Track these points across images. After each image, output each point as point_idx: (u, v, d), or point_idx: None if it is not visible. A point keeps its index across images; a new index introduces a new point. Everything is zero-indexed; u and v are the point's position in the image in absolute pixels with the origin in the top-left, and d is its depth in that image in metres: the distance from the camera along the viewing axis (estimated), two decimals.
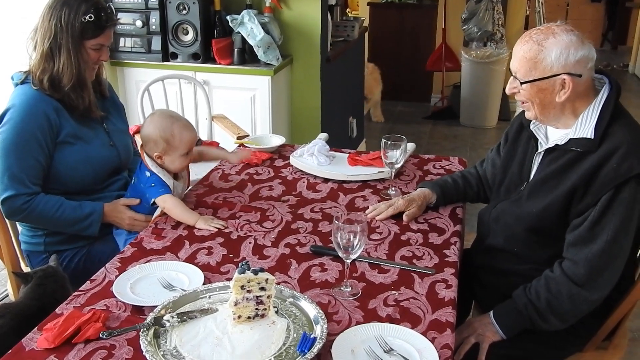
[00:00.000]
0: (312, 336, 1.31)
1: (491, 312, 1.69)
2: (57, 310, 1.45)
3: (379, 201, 2.04)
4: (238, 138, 2.77)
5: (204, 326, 1.36)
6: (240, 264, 1.35)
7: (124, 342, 1.34)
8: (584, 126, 1.62)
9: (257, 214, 1.96)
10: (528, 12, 6.20)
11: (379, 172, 2.20)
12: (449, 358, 1.31)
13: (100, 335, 1.33)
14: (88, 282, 1.58)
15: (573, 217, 1.62)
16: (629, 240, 1.59)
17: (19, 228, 2.14)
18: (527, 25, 6.12)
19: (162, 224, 1.89)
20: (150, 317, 1.36)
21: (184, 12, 3.35)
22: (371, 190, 2.14)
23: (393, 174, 2.12)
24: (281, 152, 2.49)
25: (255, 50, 3.35)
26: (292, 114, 3.77)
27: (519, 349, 1.71)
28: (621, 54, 8.82)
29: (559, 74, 1.58)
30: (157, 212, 1.95)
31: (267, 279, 1.35)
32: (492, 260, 1.84)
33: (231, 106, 3.41)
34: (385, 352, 1.30)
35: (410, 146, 2.33)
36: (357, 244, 1.47)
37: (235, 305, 1.34)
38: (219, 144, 3.00)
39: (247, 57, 3.43)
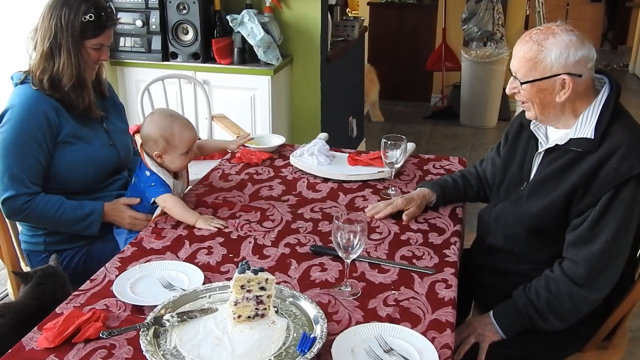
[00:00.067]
0: (312, 336, 1.31)
1: (491, 312, 1.69)
2: (57, 309, 1.46)
3: (378, 201, 2.04)
4: (238, 138, 2.76)
5: (204, 326, 1.36)
6: (240, 264, 1.35)
7: (123, 341, 1.34)
8: (584, 126, 1.62)
9: (257, 213, 1.96)
10: (528, 12, 6.20)
11: (379, 172, 2.20)
12: (448, 358, 1.31)
13: (100, 335, 1.33)
14: (88, 281, 1.58)
15: (573, 217, 1.62)
16: (629, 240, 1.59)
17: (19, 227, 2.14)
18: (527, 25, 6.12)
19: (162, 223, 1.89)
20: (150, 317, 1.36)
21: (184, 11, 3.35)
22: (371, 190, 2.14)
23: (393, 173, 2.12)
24: (281, 151, 2.49)
25: (255, 50, 3.35)
26: (292, 113, 3.77)
27: (519, 349, 1.71)
28: (621, 53, 8.82)
29: (559, 74, 1.58)
30: (157, 212, 1.95)
31: (267, 279, 1.35)
32: (492, 260, 1.84)
33: (231, 106, 3.41)
34: (385, 351, 1.31)
35: (410, 146, 2.33)
36: (357, 244, 1.47)
37: (235, 304, 1.34)
38: None
39: (247, 56, 3.43)
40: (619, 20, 9.20)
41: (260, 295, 1.35)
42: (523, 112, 1.76)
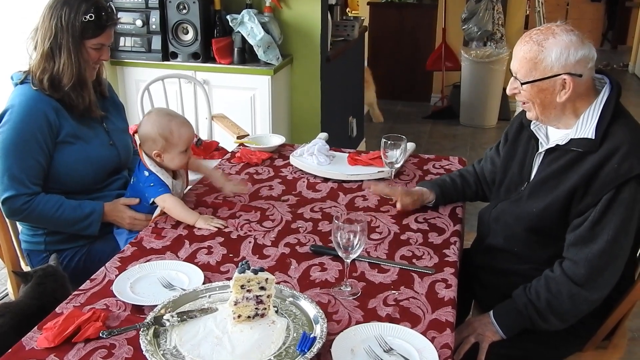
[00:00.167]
0: (311, 336, 1.31)
1: (491, 312, 1.69)
2: (57, 309, 1.46)
3: (378, 201, 2.04)
4: (238, 137, 2.77)
5: (203, 325, 1.36)
6: (240, 264, 1.35)
7: (123, 341, 1.34)
8: (585, 126, 1.62)
9: (257, 213, 1.96)
10: (528, 12, 6.20)
11: (378, 171, 2.20)
12: (448, 358, 1.31)
13: (100, 335, 1.33)
14: (88, 281, 1.58)
15: (573, 217, 1.62)
16: (629, 240, 1.59)
17: (19, 227, 2.14)
18: (527, 25, 6.12)
19: (162, 223, 1.89)
20: (150, 317, 1.36)
21: (184, 11, 3.35)
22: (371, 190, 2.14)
23: (393, 173, 2.12)
24: (281, 151, 2.49)
25: (255, 49, 3.35)
26: (292, 113, 3.77)
27: (519, 349, 1.71)
28: (621, 53, 8.83)
29: (560, 74, 1.58)
30: (157, 212, 1.95)
31: (267, 279, 1.35)
32: (492, 260, 1.84)
33: (231, 106, 3.41)
34: (385, 351, 1.31)
35: (410, 146, 2.33)
36: (357, 244, 1.47)
37: (235, 304, 1.34)
38: (218, 143, 3.01)
39: (247, 56, 3.43)
40: (619, 20, 9.21)
41: (260, 295, 1.35)
42: (523, 111, 1.76)
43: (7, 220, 2.01)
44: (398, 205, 1.93)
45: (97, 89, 2.14)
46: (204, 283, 1.54)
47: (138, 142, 2.00)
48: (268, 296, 1.36)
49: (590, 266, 1.57)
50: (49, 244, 2.08)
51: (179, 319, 1.36)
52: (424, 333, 1.37)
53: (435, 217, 1.95)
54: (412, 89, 6.52)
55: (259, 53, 3.34)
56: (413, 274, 1.62)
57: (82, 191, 2.07)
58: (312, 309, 1.40)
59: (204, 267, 1.63)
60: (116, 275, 1.58)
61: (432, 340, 1.34)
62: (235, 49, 3.41)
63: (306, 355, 1.25)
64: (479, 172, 2.06)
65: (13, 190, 1.92)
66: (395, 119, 6.07)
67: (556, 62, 1.57)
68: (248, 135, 2.90)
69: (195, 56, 3.44)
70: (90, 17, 1.95)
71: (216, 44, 3.40)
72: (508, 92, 1.70)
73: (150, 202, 1.95)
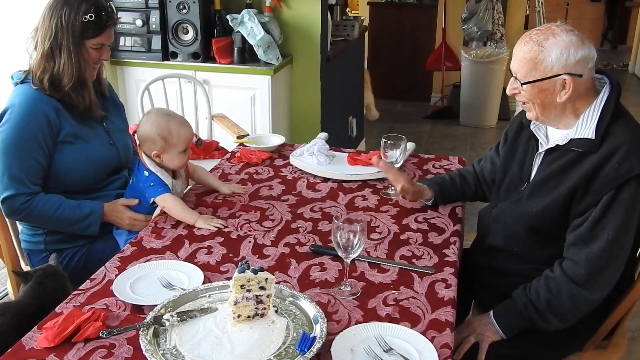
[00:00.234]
0: (311, 335, 1.31)
1: (491, 312, 1.69)
2: (57, 309, 1.46)
3: (378, 200, 2.04)
4: (238, 137, 2.77)
5: (203, 325, 1.36)
6: (240, 263, 1.35)
7: (123, 341, 1.34)
8: (585, 126, 1.62)
9: (256, 213, 1.96)
10: (528, 12, 6.20)
11: (378, 171, 2.20)
12: (448, 357, 1.31)
13: (100, 334, 1.33)
14: (88, 281, 1.58)
15: (573, 217, 1.62)
16: (629, 240, 1.59)
17: (19, 227, 2.14)
18: (527, 25, 6.12)
19: (161, 223, 1.89)
20: (150, 316, 1.36)
21: (184, 11, 3.35)
22: (371, 189, 2.14)
23: None
24: (281, 151, 2.50)
25: (255, 49, 3.35)
26: (292, 113, 3.77)
27: (519, 349, 1.71)
28: (621, 53, 8.82)
29: (560, 74, 1.58)
30: (157, 212, 1.95)
31: (267, 278, 1.35)
32: (492, 260, 1.84)
33: (231, 105, 3.41)
34: (384, 351, 1.31)
35: (410, 146, 2.33)
36: (356, 244, 1.47)
37: (235, 304, 1.34)
38: (218, 143, 3.01)
39: (247, 56, 3.43)
40: (619, 20, 9.21)
41: (260, 295, 1.35)
42: (523, 111, 1.76)
43: (7, 219, 2.01)
44: (398, 188, 1.92)
45: (97, 89, 2.14)
46: (203, 283, 1.54)
47: (137, 142, 2.00)
48: (268, 296, 1.36)
49: (591, 266, 1.57)
50: (49, 243, 2.08)
51: (179, 318, 1.37)
52: (423, 333, 1.37)
53: (435, 217, 1.95)
54: (412, 88, 6.52)
55: (259, 53, 3.34)
56: (413, 273, 1.62)
57: (82, 191, 2.07)
58: (311, 309, 1.40)
59: (204, 267, 1.63)
60: (116, 275, 1.58)
61: (431, 340, 1.34)
62: (235, 48, 3.41)
63: (306, 355, 1.25)
64: (478, 172, 2.06)
65: (13, 190, 1.92)
66: (395, 119, 6.07)
67: (556, 62, 1.57)
68: (248, 135, 2.90)
69: (195, 56, 3.44)
70: (91, 17, 1.95)
71: (216, 43, 3.40)
72: (508, 92, 1.70)
73: (151, 201, 1.95)
